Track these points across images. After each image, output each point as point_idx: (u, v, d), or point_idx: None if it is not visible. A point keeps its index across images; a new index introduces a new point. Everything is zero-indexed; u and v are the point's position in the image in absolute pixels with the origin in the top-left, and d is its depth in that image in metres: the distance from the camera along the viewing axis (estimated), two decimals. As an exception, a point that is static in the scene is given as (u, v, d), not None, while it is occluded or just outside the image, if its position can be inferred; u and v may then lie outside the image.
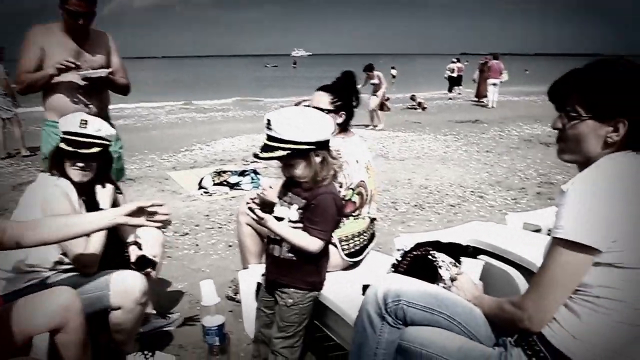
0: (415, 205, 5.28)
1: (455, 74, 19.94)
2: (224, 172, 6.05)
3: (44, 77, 2.90)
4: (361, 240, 2.42)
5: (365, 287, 1.77)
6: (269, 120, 1.82)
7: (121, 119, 12.95)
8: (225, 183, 5.84)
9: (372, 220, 2.50)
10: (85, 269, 2.10)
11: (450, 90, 20.15)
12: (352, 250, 2.39)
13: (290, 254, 1.96)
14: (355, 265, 2.44)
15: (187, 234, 4.44)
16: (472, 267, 1.89)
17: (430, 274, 1.81)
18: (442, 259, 1.83)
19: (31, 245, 1.75)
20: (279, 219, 1.92)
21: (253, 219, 1.91)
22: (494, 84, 15.87)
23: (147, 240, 2.45)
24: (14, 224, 1.79)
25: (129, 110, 15.56)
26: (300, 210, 1.92)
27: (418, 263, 1.89)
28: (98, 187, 2.25)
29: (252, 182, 5.84)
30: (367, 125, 11.40)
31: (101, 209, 2.18)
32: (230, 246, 4.05)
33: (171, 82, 35.84)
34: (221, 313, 2.30)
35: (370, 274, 2.30)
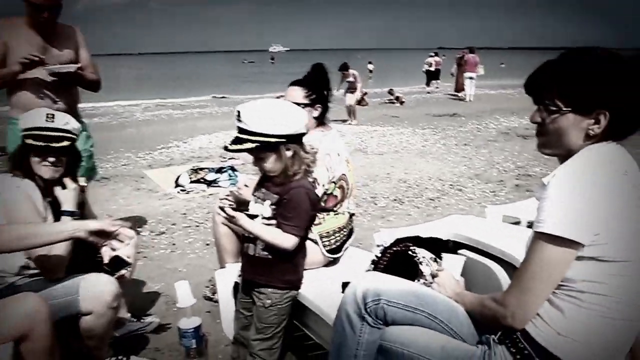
0: (395, 200, 5.27)
1: (433, 68, 20.10)
2: (201, 169, 5.95)
3: (8, 74, 2.78)
4: (341, 235, 2.41)
5: (345, 285, 1.71)
6: (239, 112, 1.77)
7: (96, 117, 12.63)
8: (202, 180, 5.75)
9: (351, 215, 2.49)
10: (50, 273, 2.01)
11: (428, 84, 20.29)
12: (334, 246, 2.37)
13: (265, 252, 1.90)
14: (334, 262, 2.41)
15: (163, 233, 4.35)
16: (453, 263, 1.86)
17: (411, 270, 1.78)
18: (423, 255, 1.80)
19: None
20: (253, 216, 1.86)
21: (225, 217, 1.86)
22: (471, 78, 16.05)
23: None
24: None
25: (104, 108, 15.25)
26: (273, 207, 1.86)
27: (398, 259, 1.86)
28: (57, 189, 2.15)
29: (229, 179, 5.76)
30: (344, 120, 11.39)
31: (65, 211, 2.10)
32: (207, 245, 3.97)
33: (147, 79, 35.37)
34: (198, 314, 2.24)
35: (350, 271, 2.26)
